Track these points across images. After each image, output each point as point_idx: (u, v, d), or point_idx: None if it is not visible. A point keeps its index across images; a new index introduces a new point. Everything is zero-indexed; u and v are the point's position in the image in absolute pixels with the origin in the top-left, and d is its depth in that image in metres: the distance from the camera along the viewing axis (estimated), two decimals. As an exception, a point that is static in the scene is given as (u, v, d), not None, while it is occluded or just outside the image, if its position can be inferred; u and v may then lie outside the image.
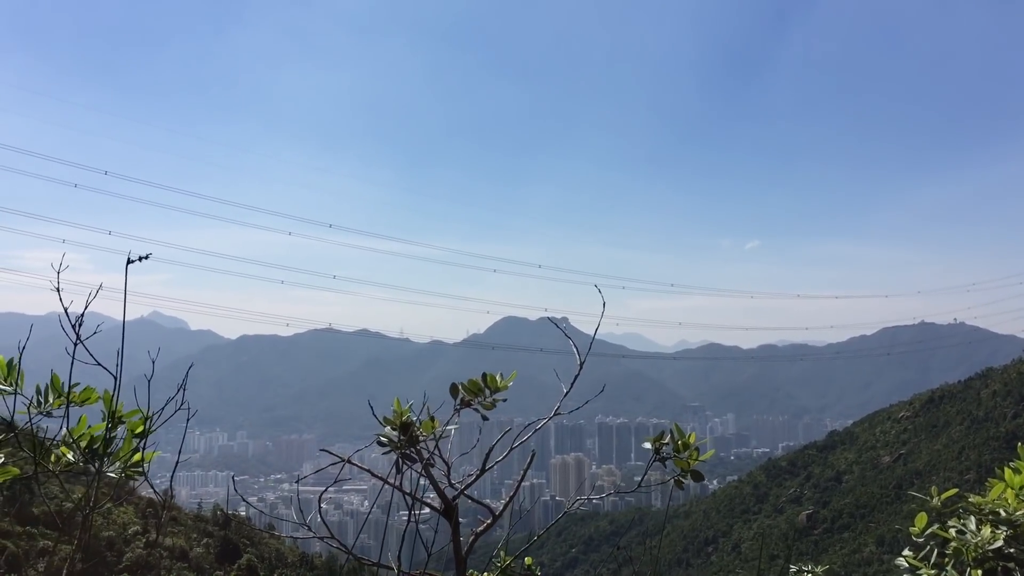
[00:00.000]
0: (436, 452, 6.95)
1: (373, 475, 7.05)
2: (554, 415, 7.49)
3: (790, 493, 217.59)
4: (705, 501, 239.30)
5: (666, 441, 7.16)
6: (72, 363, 5.57)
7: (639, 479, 7.86)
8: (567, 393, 7.50)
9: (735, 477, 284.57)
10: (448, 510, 6.96)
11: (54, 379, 5.71)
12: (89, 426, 5.71)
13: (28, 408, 5.60)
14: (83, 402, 5.69)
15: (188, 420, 6.04)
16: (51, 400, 5.68)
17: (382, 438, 6.88)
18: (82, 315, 5.68)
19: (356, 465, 6.95)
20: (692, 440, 7.12)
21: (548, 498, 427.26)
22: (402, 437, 6.84)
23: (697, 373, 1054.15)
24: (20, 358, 5.73)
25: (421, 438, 6.88)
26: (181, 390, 5.95)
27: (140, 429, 5.74)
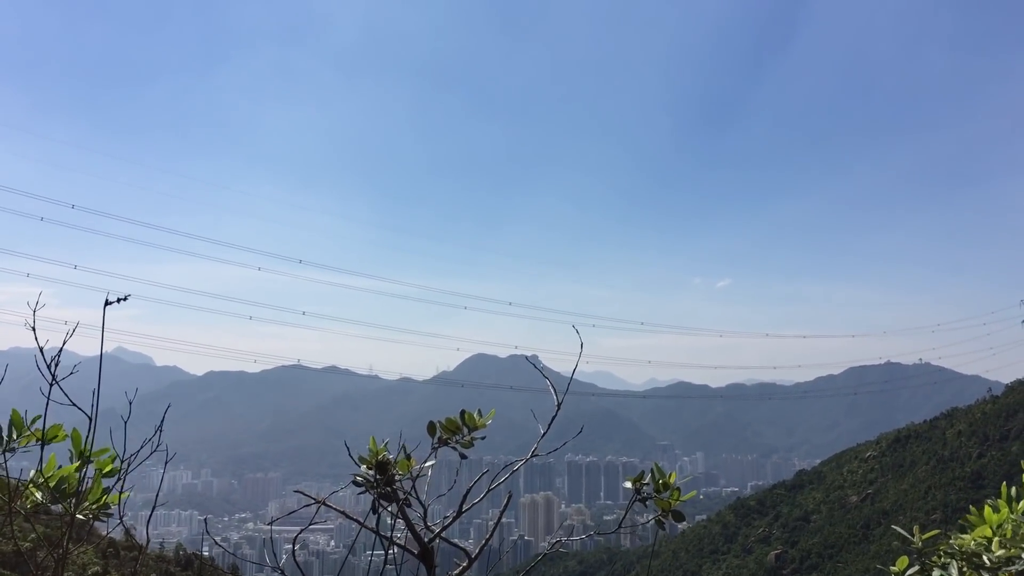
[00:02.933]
0: (413, 492, 6.87)
1: (349, 517, 6.94)
2: (532, 456, 7.46)
3: (759, 533, 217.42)
4: (674, 541, 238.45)
5: (646, 481, 7.11)
6: (48, 403, 5.53)
7: (617, 519, 7.79)
8: (544, 434, 7.46)
9: (704, 516, 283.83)
10: (425, 553, 6.84)
11: (14, 416, 5.64)
12: (60, 466, 5.64)
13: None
14: (51, 440, 5.62)
15: (167, 462, 5.99)
16: (15, 438, 5.62)
17: (358, 477, 6.78)
18: (59, 354, 5.65)
19: (332, 507, 6.84)
20: (672, 480, 7.08)
21: (516, 537, 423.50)
22: (379, 477, 6.75)
23: (667, 411, 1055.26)
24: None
25: (397, 478, 6.79)
26: (158, 432, 5.88)
27: (108, 468, 5.68)
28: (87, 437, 5.62)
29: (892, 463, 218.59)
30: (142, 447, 5.78)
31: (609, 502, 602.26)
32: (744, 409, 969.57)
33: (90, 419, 5.59)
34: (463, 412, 7.02)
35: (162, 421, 6.05)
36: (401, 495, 6.81)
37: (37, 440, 5.65)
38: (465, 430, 7.02)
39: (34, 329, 5.57)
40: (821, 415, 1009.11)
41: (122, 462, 5.81)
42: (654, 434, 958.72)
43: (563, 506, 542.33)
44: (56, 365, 5.58)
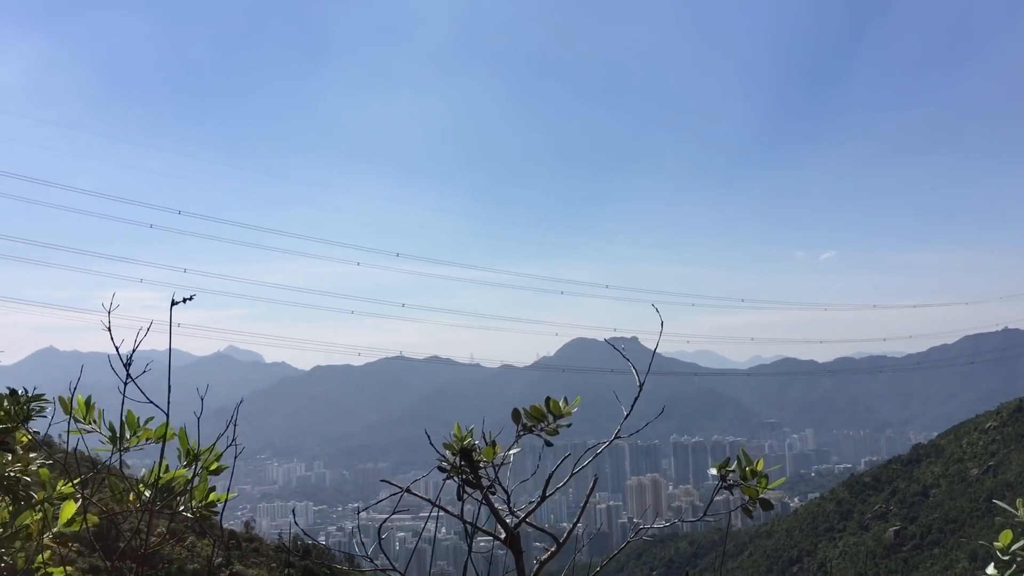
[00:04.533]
0: (496, 479, 6.83)
1: (433, 504, 6.99)
2: (615, 438, 7.36)
3: (875, 509, 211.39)
4: (787, 520, 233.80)
5: (732, 468, 6.83)
6: (123, 400, 5.72)
7: (726, 500, 7.60)
8: (628, 415, 7.34)
9: (817, 494, 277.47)
10: (511, 539, 6.77)
11: (129, 416, 5.88)
12: (169, 468, 5.87)
13: (118, 445, 5.79)
14: (159, 439, 5.84)
15: (236, 457, 6.14)
16: (128, 437, 5.88)
17: (443, 464, 6.82)
18: (132, 353, 5.84)
19: (415, 494, 6.89)
20: (760, 467, 6.72)
21: (625, 520, 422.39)
22: (462, 463, 6.76)
23: (772, 389, 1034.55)
24: (70, 392, 5.93)
25: (482, 464, 6.77)
26: (231, 424, 6.04)
27: (215, 467, 5.87)
28: (174, 431, 5.82)
29: (1015, 433, 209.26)
30: (216, 440, 5.93)
31: (719, 482, 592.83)
32: (854, 383, 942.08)
33: (166, 415, 5.79)
34: (548, 399, 6.91)
35: (235, 412, 6.17)
36: (486, 482, 6.79)
37: (148, 439, 5.89)
38: (550, 417, 6.88)
39: (109, 329, 5.78)
40: (936, 386, 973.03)
41: (196, 453, 6.00)
42: (761, 412, 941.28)
43: (670, 487, 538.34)
44: (129, 364, 5.79)
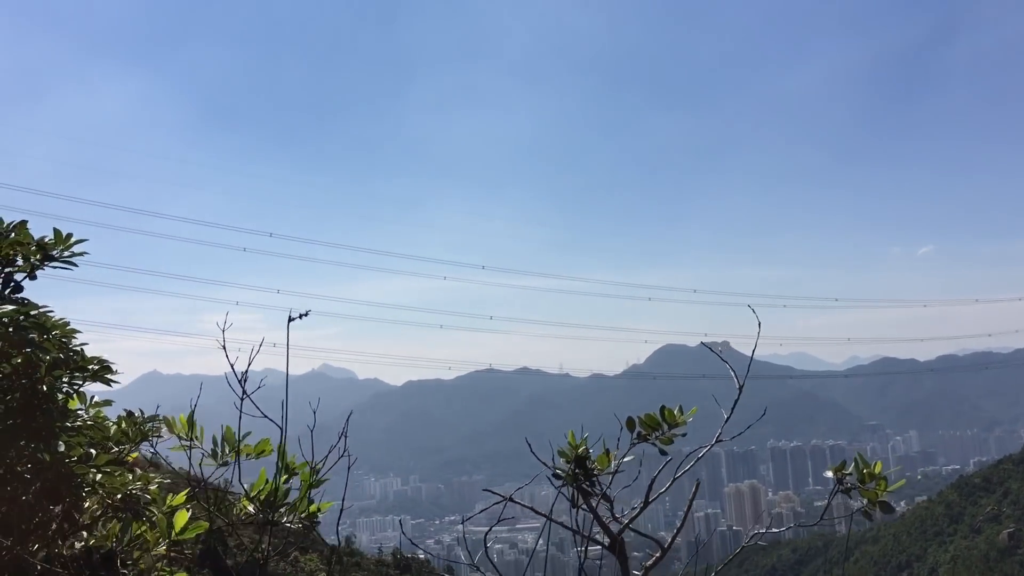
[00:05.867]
0: (606, 487, 6.88)
1: (537, 512, 7.05)
2: (716, 442, 7.30)
3: (987, 512, 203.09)
4: (894, 525, 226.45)
5: (849, 471, 6.72)
6: (240, 416, 5.92)
7: (822, 507, 7.47)
8: (728, 419, 7.28)
9: (924, 497, 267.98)
10: (614, 545, 6.83)
11: (227, 432, 6.13)
12: (268, 480, 6.08)
13: (218, 459, 6.01)
14: (259, 454, 6.08)
15: (348, 468, 6.31)
16: (227, 452, 6.15)
17: (558, 471, 6.91)
18: (245, 372, 6.07)
19: (518, 503, 6.96)
20: (878, 469, 6.64)
21: (724, 528, 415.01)
22: (578, 471, 6.84)
23: (872, 389, 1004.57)
24: (180, 411, 6.19)
25: (595, 472, 6.85)
26: (342, 437, 6.21)
27: (312, 481, 6.06)
28: (281, 447, 5.98)
29: None
30: (329, 453, 6.12)
31: (819, 487, 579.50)
32: (959, 381, 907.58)
33: (281, 430, 5.98)
34: (663, 408, 6.98)
35: (345, 425, 6.33)
36: (598, 490, 6.85)
37: (247, 455, 6.14)
38: (665, 426, 6.97)
39: (224, 347, 6.02)
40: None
41: (313, 470, 6.18)
42: (861, 414, 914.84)
43: (770, 494, 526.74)
44: (245, 381, 6.05)
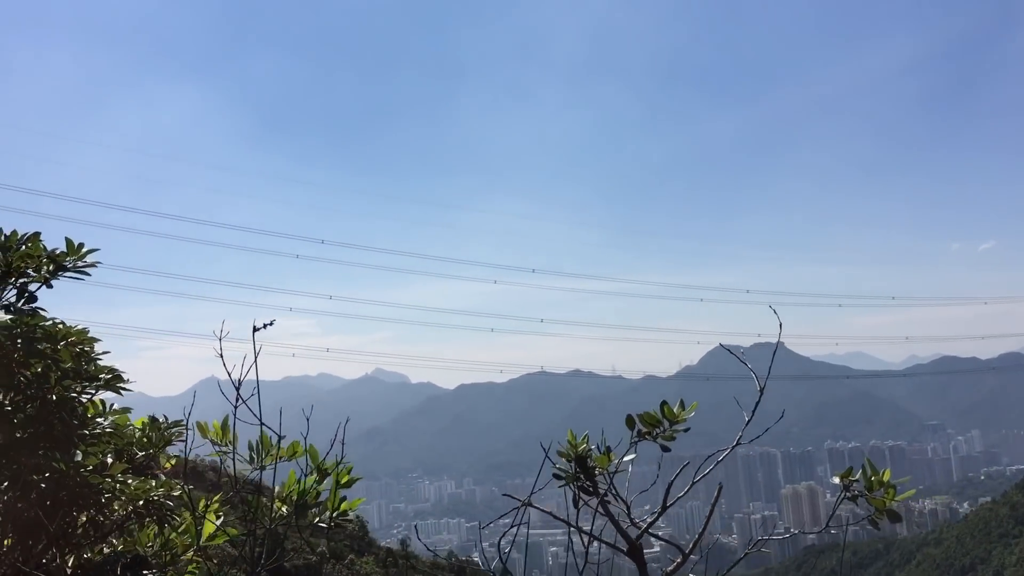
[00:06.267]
0: (614, 488, 6.83)
1: (555, 517, 7.04)
2: (735, 446, 7.19)
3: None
4: (957, 526, 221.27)
5: (856, 477, 6.61)
6: (280, 422, 5.99)
7: (831, 518, 7.29)
8: (749, 421, 7.15)
9: (988, 498, 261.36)
10: (633, 550, 6.72)
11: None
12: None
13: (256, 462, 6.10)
14: (291, 457, 6.18)
15: (350, 476, 6.30)
16: (263, 456, 6.29)
17: (558, 471, 6.89)
18: (240, 381, 6.15)
19: (535, 507, 6.94)
20: (887, 476, 6.53)
21: (782, 530, 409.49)
22: (578, 470, 6.80)
23: (932, 389, 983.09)
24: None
25: (597, 472, 6.82)
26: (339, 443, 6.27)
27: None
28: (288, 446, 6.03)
29: None
30: (334, 457, 6.13)
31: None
32: (1022, 379, 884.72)
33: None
34: (663, 405, 6.91)
35: (341, 430, 6.35)
36: (611, 491, 6.79)
37: (283, 458, 6.27)
38: (666, 424, 6.85)
39: (221, 356, 6.12)
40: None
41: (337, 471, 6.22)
42: (920, 414, 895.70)
43: (828, 495, 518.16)
44: (239, 386, 6.17)
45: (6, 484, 6.59)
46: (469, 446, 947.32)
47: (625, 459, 6.86)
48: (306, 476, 6.14)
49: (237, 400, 6.10)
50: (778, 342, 7.46)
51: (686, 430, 6.92)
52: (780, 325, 7.65)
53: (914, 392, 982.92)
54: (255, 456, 6.32)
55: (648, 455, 7.16)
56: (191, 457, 6.92)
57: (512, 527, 7.14)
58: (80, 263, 7.16)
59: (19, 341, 6.57)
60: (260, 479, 6.30)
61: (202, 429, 6.51)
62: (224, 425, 6.45)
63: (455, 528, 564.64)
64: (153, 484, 6.94)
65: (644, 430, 6.84)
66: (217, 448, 6.51)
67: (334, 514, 6.05)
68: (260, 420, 6.03)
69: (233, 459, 6.19)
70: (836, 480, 6.73)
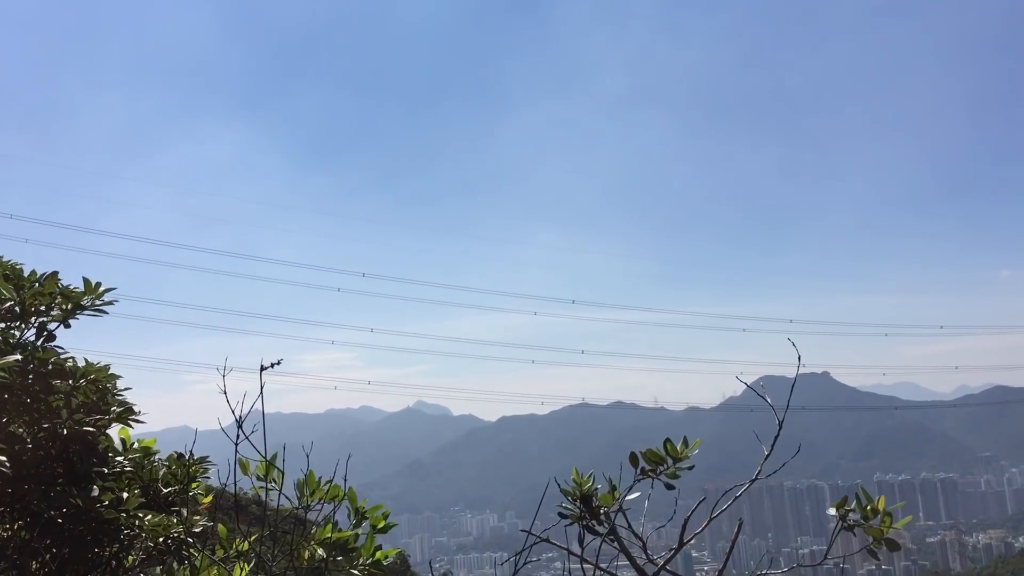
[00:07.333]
0: (620, 525, 6.79)
1: (571, 553, 7.02)
2: (755, 480, 7.10)
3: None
4: (1012, 561, 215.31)
5: (851, 507, 6.61)
6: (309, 455, 5.97)
7: (940, 541, 7.15)
8: (768, 456, 7.10)
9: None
10: None
11: (310, 476, 6.22)
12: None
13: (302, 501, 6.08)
14: (331, 499, 6.15)
15: (387, 522, 6.25)
16: (307, 495, 6.27)
17: (564, 509, 6.89)
18: (243, 417, 6.19)
19: (553, 543, 6.96)
20: (882, 505, 6.54)
21: (831, 565, 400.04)
22: (583, 509, 6.80)
23: (984, 420, 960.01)
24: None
25: (602, 510, 6.78)
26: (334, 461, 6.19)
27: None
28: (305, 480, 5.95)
29: None
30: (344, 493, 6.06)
31: (931, 523, 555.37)
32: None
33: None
34: (666, 442, 6.90)
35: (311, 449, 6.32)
36: (622, 529, 6.77)
37: (322, 499, 6.23)
38: (669, 461, 6.83)
39: (224, 393, 6.11)
40: None
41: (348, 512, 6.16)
42: (973, 446, 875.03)
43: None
44: (241, 422, 6.17)
45: (25, 520, 6.69)
46: (511, 478, 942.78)
47: (628, 497, 6.87)
48: (343, 525, 6.12)
49: (238, 437, 6.15)
50: (797, 373, 7.43)
51: (690, 468, 6.90)
52: (799, 357, 7.65)
53: (966, 423, 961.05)
54: (302, 494, 6.30)
55: (682, 486, 7.08)
56: (232, 490, 6.95)
57: (526, 563, 7.15)
58: (98, 301, 7.29)
59: (31, 377, 6.71)
60: (305, 516, 6.29)
61: (243, 466, 6.51)
62: (271, 463, 6.44)
63: (498, 562, 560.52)
64: (174, 521, 6.92)
65: (648, 468, 6.85)
66: (259, 484, 6.50)
67: (368, 560, 6.00)
68: (264, 456, 6.08)
69: (278, 498, 6.20)
70: (831, 511, 6.72)
